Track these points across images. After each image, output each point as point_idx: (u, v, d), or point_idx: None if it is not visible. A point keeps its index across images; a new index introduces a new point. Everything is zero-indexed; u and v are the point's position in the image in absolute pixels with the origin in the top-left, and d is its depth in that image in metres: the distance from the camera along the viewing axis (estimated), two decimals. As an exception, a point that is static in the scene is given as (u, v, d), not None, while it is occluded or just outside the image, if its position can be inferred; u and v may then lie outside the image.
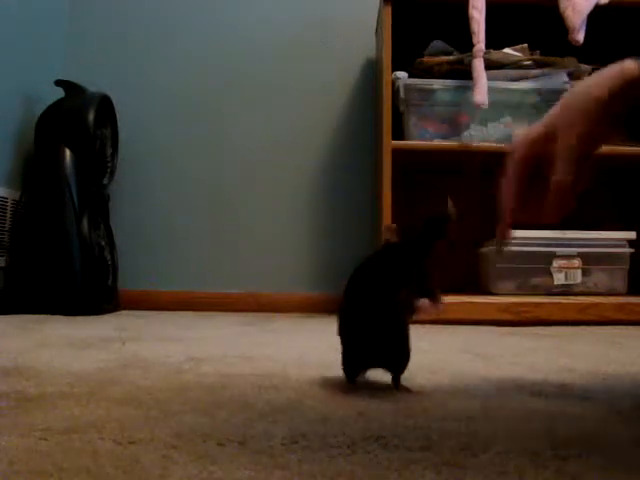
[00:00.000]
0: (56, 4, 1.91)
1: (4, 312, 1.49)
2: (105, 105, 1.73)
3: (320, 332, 1.25)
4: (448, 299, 1.40)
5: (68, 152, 1.63)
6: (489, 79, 1.52)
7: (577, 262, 1.59)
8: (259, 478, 0.37)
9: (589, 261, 1.60)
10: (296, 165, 1.93)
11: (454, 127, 1.61)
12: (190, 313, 1.73)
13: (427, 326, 1.26)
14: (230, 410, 0.54)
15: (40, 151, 1.66)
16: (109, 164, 1.76)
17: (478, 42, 1.51)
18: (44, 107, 1.68)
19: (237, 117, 1.94)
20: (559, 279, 1.59)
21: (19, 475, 0.37)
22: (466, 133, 1.60)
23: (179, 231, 1.92)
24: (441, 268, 0.62)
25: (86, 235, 1.61)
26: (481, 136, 1.59)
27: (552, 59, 1.63)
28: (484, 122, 1.59)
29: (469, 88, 1.53)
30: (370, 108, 1.91)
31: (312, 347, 0.99)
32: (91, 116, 1.65)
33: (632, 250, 1.60)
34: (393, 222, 1.44)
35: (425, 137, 1.60)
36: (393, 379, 0.63)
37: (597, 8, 1.51)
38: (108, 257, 1.71)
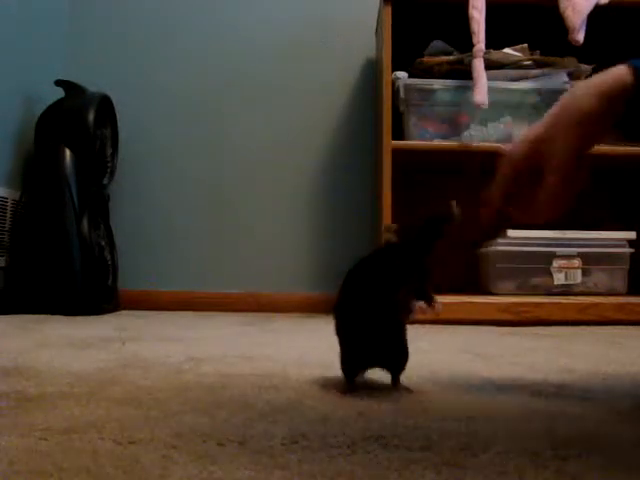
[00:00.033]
0: (56, 4, 1.91)
1: (4, 312, 1.49)
2: (105, 105, 1.73)
3: (320, 332, 1.24)
4: (448, 299, 1.40)
5: (68, 152, 1.63)
6: (489, 79, 1.52)
7: (577, 262, 1.59)
8: (259, 478, 0.37)
9: (589, 261, 1.60)
10: (296, 165, 1.93)
11: (454, 127, 1.61)
12: (190, 313, 1.73)
13: (427, 326, 1.26)
14: (230, 410, 0.54)
15: (40, 151, 1.66)
16: (109, 164, 1.76)
17: (478, 42, 1.51)
18: (44, 107, 1.68)
19: (237, 117, 1.94)
20: (559, 279, 1.59)
21: (19, 475, 0.37)
22: (466, 133, 1.60)
23: (179, 231, 1.92)
24: (441, 268, 0.62)
25: (86, 235, 1.61)
26: (481, 136, 1.59)
27: (552, 59, 1.63)
28: (484, 122, 1.59)
29: (469, 88, 1.53)
30: (370, 108, 1.91)
31: (312, 347, 0.99)
32: (91, 116, 1.65)
33: (632, 250, 1.60)
34: (393, 222, 1.44)
35: (425, 137, 1.60)
36: (392, 379, 0.63)
37: (597, 8, 1.52)
38: (108, 257, 1.71)
